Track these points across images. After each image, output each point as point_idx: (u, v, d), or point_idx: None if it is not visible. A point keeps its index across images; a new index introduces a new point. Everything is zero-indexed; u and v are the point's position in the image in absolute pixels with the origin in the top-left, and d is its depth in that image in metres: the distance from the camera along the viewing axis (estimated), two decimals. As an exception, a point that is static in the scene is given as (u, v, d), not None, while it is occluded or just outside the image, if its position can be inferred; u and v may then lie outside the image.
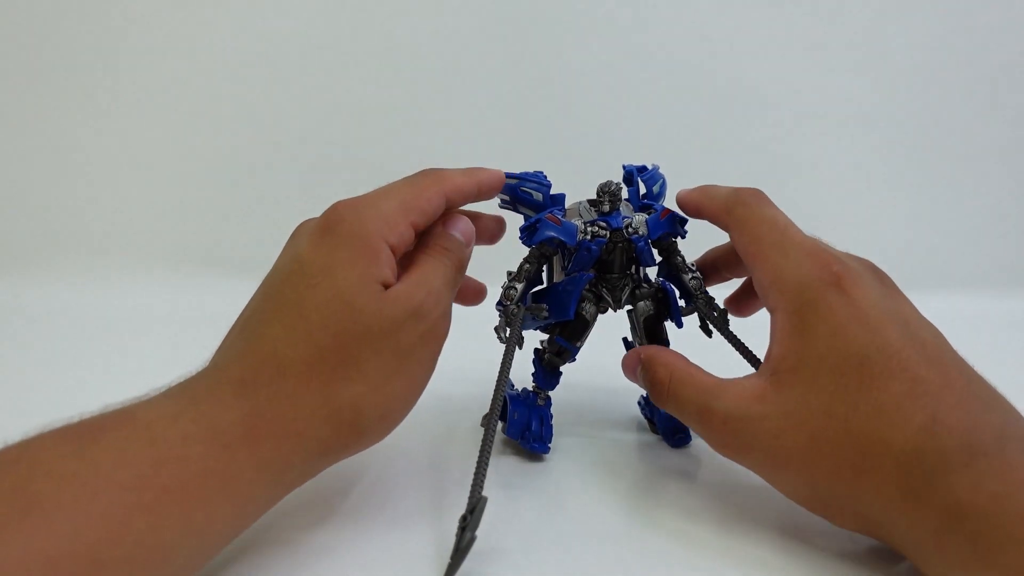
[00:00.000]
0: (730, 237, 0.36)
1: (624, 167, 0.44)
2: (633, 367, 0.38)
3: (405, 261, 0.35)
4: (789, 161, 0.86)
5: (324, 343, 0.30)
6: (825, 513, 0.30)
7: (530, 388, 0.42)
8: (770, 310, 0.33)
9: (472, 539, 0.28)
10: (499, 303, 0.40)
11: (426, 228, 0.36)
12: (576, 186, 0.45)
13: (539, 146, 0.91)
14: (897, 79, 0.90)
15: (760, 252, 0.33)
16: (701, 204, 0.38)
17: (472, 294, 0.44)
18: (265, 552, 0.31)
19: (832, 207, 0.89)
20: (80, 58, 0.90)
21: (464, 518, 0.28)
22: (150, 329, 0.73)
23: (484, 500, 0.29)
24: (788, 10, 0.89)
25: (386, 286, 0.32)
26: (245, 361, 0.31)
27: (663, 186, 0.44)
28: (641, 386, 0.39)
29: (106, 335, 0.71)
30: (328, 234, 0.32)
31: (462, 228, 0.37)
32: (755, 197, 0.36)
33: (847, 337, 0.29)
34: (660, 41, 0.90)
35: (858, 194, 0.91)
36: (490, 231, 0.42)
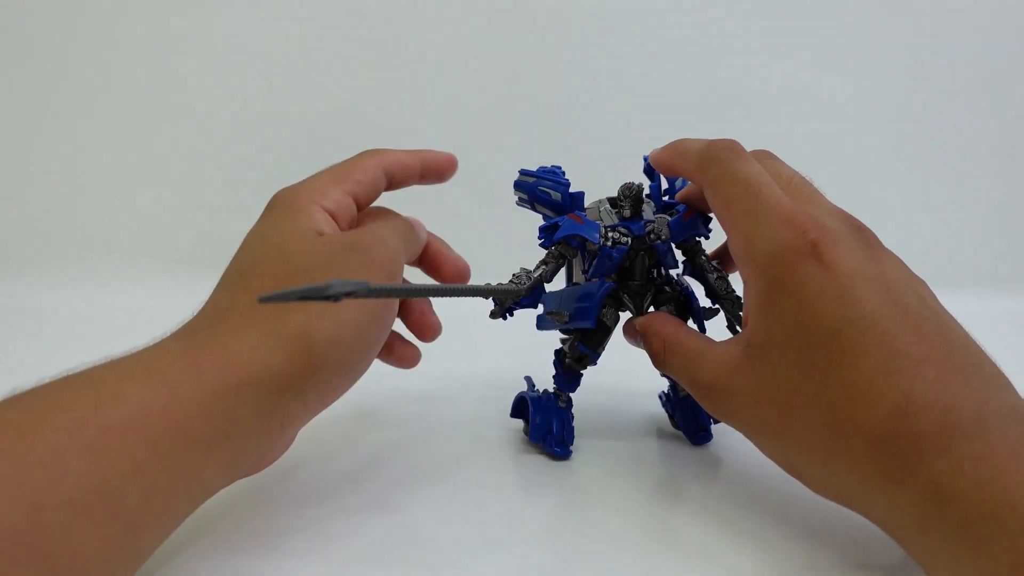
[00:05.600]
0: (706, 196, 0.34)
1: (645, 159, 0.42)
2: (634, 336, 0.39)
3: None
4: (791, 160, 0.85)
5: (263, 287, 0.31)
6: (802, 481, 0.30)
7: (551, 391, 0.42)
8: (743, 279, 0.32)
9: (332, 296, 0.23)
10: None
11: (367, 200, 0.37)
12: (595, 182, 0.44)
13: (555, 141, 0.91)
14: (898, 78, 0.90)
15: (731, 218, 0.31)
16: (674, 163, 0.36)
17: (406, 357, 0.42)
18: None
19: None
20: (80, 58, 0.89)
21: (349, 293, 0.23)
22: (150, 329, 0.72)
23: (366, 284, 0.24)
24: (794, 9, 0.89)
25: (307, 226, 0.33)
26: (189, 320, 0.32)
27: (684, 180, 0.43)
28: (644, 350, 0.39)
29: (106, 335, 0.69)
30: (266, 211, 0.35)
31: (415, 220, 0.39)
32: (729, 151, 0.33)
33: (817, 311, 0.27)
34: (674, 39, 0.91)
35: (859, 193, 0.90)
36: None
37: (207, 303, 0.32)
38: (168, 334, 0.31)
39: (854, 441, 0.26)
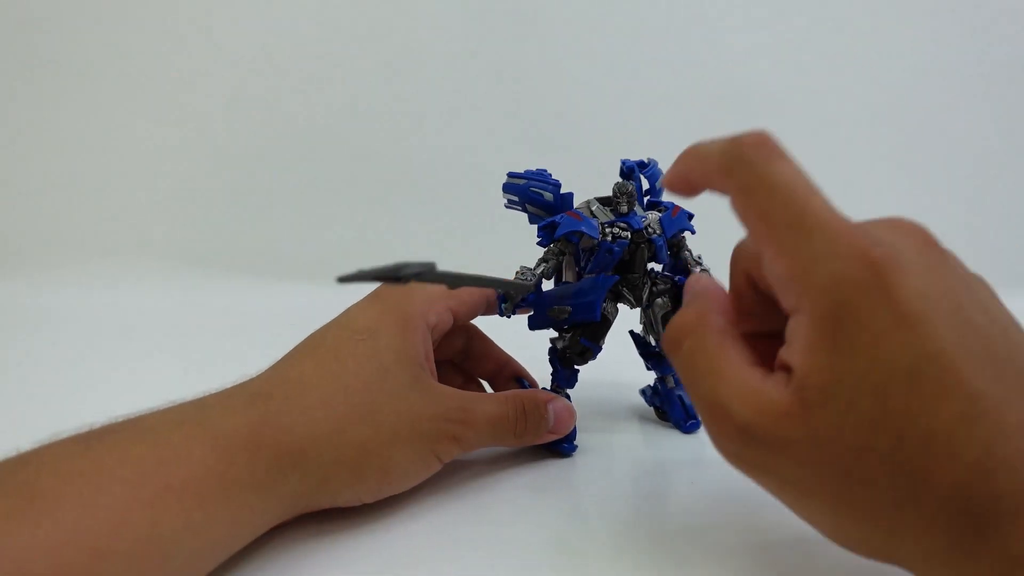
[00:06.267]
0: (731, 205, 0.27)
1: (624, 163, 0.43)
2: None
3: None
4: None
5: (351, 384, 0.33)
6: (849, 548, 0.25)
7: (550, 388, 0.43)
8: (789, 309, 0.25)
9: (403, 278, 0.24)
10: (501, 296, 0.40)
11: (465, 317, 0.41)
12: (574, 185, 0.44)
13: (536, 143, 0.91)
14: (898, 77, 0.91)
15: (773, 234, 0.25)
16: (691, 173, 0.28)
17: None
18: None
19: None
20: (81, 58, 0.90)
21: (418, 275, 0.24)
22: (150, 328, 0.74)
23: (433, 266, 0.25)
24: (793, 9, 0.90)
25: (415, 357, 0.35)
26: (266, 379, 0.33)
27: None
28: None
29: (106, 335, 0.71)
30: (377, 300, 0.37)
31: (559, 408, 0.40)
32: (761, 150, 0.26)
33: (892, 347, 0.23)
34: (663, 38, 0.91)
35: (860, 194, 0.90)
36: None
37: (289, 360, 0.34)
38: (241, 381, 0.33)
39: (927, 505, 0.22)
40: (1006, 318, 0.25)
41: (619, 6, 0.91)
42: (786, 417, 0.24)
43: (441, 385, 0.36)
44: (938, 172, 0.94)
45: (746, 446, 0.25)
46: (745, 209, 0.26)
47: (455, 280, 0.28)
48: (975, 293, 0.25)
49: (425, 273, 0.25)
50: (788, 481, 0.25)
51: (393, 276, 0.24)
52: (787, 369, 0.24)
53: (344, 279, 0.23)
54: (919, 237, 0.26)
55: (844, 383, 0.23)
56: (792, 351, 0.24)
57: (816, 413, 0.23)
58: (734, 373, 0.25)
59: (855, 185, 0.92)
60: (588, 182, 0.46)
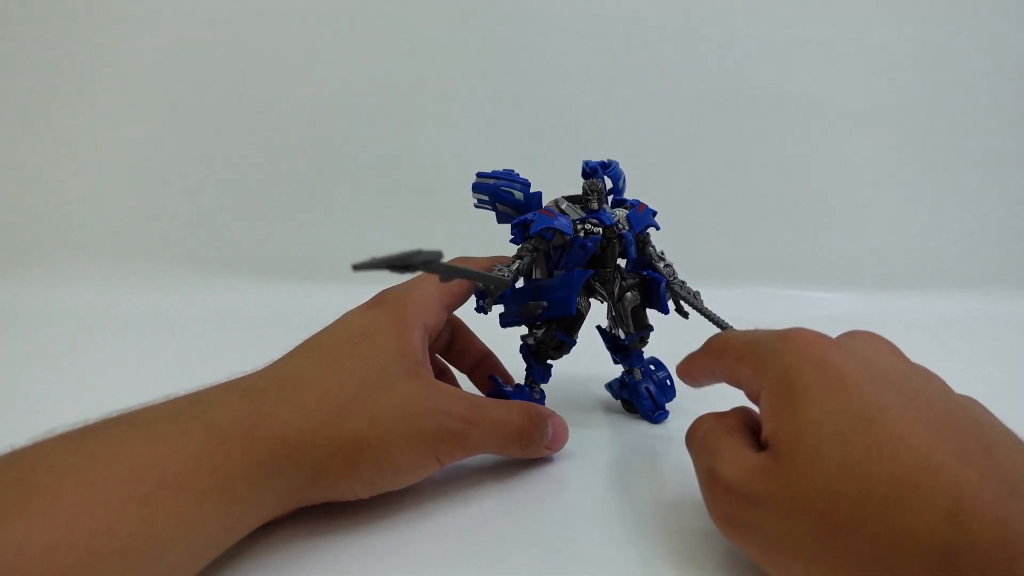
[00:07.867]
0: (726, 380, 0.33)
1: (586, 163, 0.44)
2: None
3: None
4: (789, 161, 0.87)
5: (347, 381, 0.33)
6: None
7: (524, 384, 0.43)
8: (758, 398, 0.30)
9: (415, 263, 0.25)
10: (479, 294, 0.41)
11: (455, 307, 0.41)
12: (543, 184, 0.46)
13: (506, 142, 0.92)
14: (900, 79, 0.92)
15: (736, 356, 0.31)
16: (699, 374, 0.35)
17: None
18: None
19: (833, 207, 0.90)
20: (79, 57, 0.90)
21: (425, 264, 0.26)
22: (149, 328, 0.75)
23: (440, 255, 0.26)
24: (792, 8, 0.90)
25: (413, 357, 0.35)
26: (261, 375, 0.33)
27: (624, 181, 0.46)
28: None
29: (105, 335, 0.72)
30: (374, 307, 0.37)
31: (556, 425, 0.40)
32: (719, 335, 0.34)
33: (843, 397, 0.26)
34: (658, 37, 0.90)
35: (860, 194, 0.92)
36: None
37: (285, 359, 0.34)
38: (235, 377, 0.33)
39: (912, 557, 0.22)
40: (954, 398, 0.27)
41: (611, 7, 0.91)
42: (763, 473, 0.26)
43: (445, 384, 0.35)
44: (938, 172, 0.94)
45: (731, 504, 0.28)
46: (720, 364, 0.33)
47: (450, 272, 0.29)
48: (923, 373, 0.28)
49: (433, 263, 0.26)
50: (774, 539, 0.26)
51: (405, 264, 0.24)
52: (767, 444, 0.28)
53: (359, 267, 0.23)
54: (858, 331, 0.30)
55: (806, 431, 0.26)
56: (764, 423, 0.28)
57: (787, 464, 0.26)
58: (732, 451, 0.29)
59: (857, 185, 0.93)
60: (559, 182, 0.47)
